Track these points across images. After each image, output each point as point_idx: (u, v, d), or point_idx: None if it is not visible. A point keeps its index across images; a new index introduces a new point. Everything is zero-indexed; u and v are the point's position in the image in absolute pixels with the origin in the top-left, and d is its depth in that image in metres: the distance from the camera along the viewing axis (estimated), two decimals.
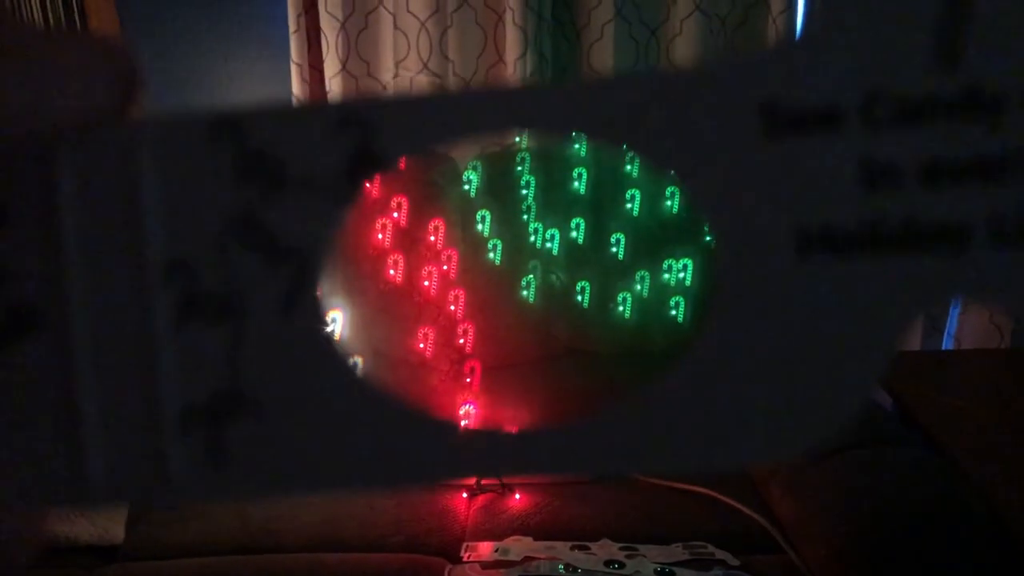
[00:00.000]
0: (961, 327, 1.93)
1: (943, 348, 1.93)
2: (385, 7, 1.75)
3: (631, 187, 1.44)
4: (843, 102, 0.18)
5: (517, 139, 1.68)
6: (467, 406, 1.38)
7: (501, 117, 0.20)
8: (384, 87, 1.78)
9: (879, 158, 0.18)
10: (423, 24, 1.73)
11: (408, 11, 1.73)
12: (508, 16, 1.69)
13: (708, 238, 1.40)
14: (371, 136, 0.19)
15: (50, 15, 1.86)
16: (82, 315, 0.19)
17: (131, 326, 0.19)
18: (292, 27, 1.73)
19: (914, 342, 1.91)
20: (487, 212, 1.45)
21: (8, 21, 0.17)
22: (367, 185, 0.19)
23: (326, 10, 1.72)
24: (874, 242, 0.18)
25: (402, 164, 0.19)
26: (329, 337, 0.19)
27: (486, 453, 0.19)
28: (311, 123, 0.19)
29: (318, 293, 0.19)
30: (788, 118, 0.18)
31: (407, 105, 0.19)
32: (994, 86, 0.17)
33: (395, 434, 0.19)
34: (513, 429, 0.19)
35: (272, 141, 0.19)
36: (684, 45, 1.75)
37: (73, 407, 0.19)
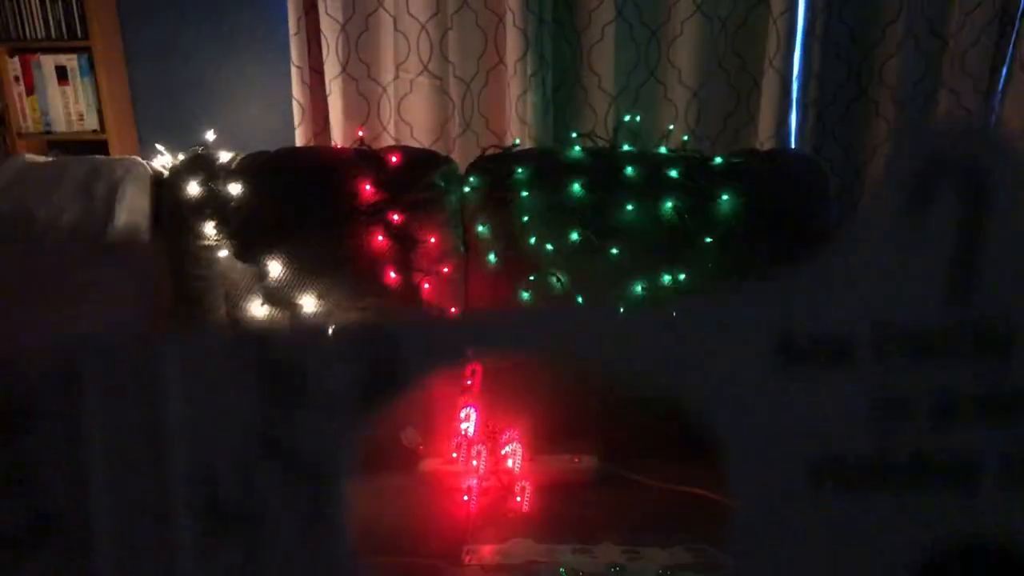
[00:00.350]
0: None
1: None
2: (385, 9, 1.75)
3: (632, 191, 1.43)
4: (855, 336, 0.19)
5: (517, 140, 1.69)
6: (468, 409, 1.37)
7: (517, 338, 0.21)
8: (384, 90, 1.78)
9: (890, 392, 0.19)
10: (423, 26, 1.73)
11: (408, 13, 1.73)
12: (508, 18, 1.69)
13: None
14: (391, 357, 0.20)
15: (50, 16, 1.86)
16: (103, 523, 0.19)
17: (152, 535, 0.19)
18: (292, 29, 1.73)
19: None
20: (488, 214, 1.44)
21: (35, 245, 0.18)
22: (386, 403, 0.20)
23: (326, 12, 1.72)
24: (885, 475, 0.19)
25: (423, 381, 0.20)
26: (350, 552, 0.20)
27: None
28: (333, 342, 0.20)
29: (338, 506, 0.19)
30: (802, 351, 0.19)
31: (425, 327, 0.20)
32: (1004, 326, 0.19)
33: None
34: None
35: (295, 359, 0.20)
36: (685, 46, 1.75)
37: None
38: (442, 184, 1.46)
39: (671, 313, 0.18)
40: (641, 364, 0.18)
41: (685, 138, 1.70)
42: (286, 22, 1.75)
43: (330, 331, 0.18)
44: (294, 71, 1.76)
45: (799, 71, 1.73)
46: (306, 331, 0.18)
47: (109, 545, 0.17)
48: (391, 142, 1.78)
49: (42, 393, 0.17)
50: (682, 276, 1.39)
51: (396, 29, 1.76)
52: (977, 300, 0.17)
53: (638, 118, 1.79)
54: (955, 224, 0.16)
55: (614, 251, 1.39)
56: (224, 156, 1.48)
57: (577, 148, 1.50)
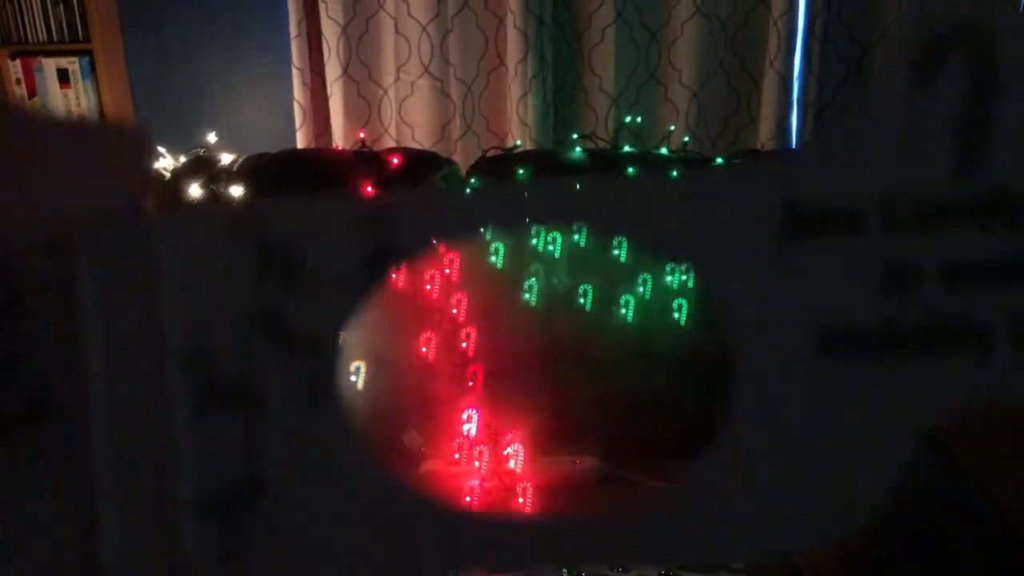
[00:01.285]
0: None
1: None
2: (386, 11, 1.75)
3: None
4: (865, 205, 0.18)
5: (518, 142, 1.69)
6: (470, 411, 1.38)
7: (520, 212, 0.20)
8: (385, 92, 1.78)
9: (900, 260, 0.18)
10: (424, 28, 1.73)
11: (409, 15, 1.74)
12: (509, 19, 1.69)
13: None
14: (390, 231, 0.19)
15: (51, 19, 1.86)
16: (99, 402, 0.19)
17: (149, 414, 0.19)
18: (293, 32, 1.73)
19: None
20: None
21: (26, 119, 0.17)
22: (387, 277, 0.20)
23: (327, 15, 1.73)
24: (896, 344, 0.18)
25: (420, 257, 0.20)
26: (348, 428, 0.19)
27: (506, 544, 0.19)
28: (331, 218, 0.19)
29: (338, 385, 0.19)
30: (811, 220, 0.18)
31: (426, 201, 0.20)
32: (1017, 190, 0.18)
33: (413, 525, 0.19)
34: (531, 511, 0.19)
35: (292, 235, 0.19)
36: (685, 47, 1.75)
37: (89, 493, 0.19)
38: (443, 186, 1.46)
39: (675, 180, 0.18)
40: (643, 231, 0.17)
41: (685, 139, 1.70)
42: (287, 25, 1.75)
43: (330, 206, 0.18)
44: (295, 73, 1.76)
45: (799, 72, 1.73)
46: (304, 208, 0.18)
47: (106, 427, 0.17)
48: (392, 144, 1.78)
49: (35, 271, 0.17)
50: (685, 276, 1.39)
51: (397, 31, 1.76)
52: (988, 167, 0.16)
53: (639, 119, 1.79)
54: (965, 92, 0.16)
55: (615, 252, 1.40)
56: (225, 158, 1.48)
57: (578, 149, 1.50)
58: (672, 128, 1.76)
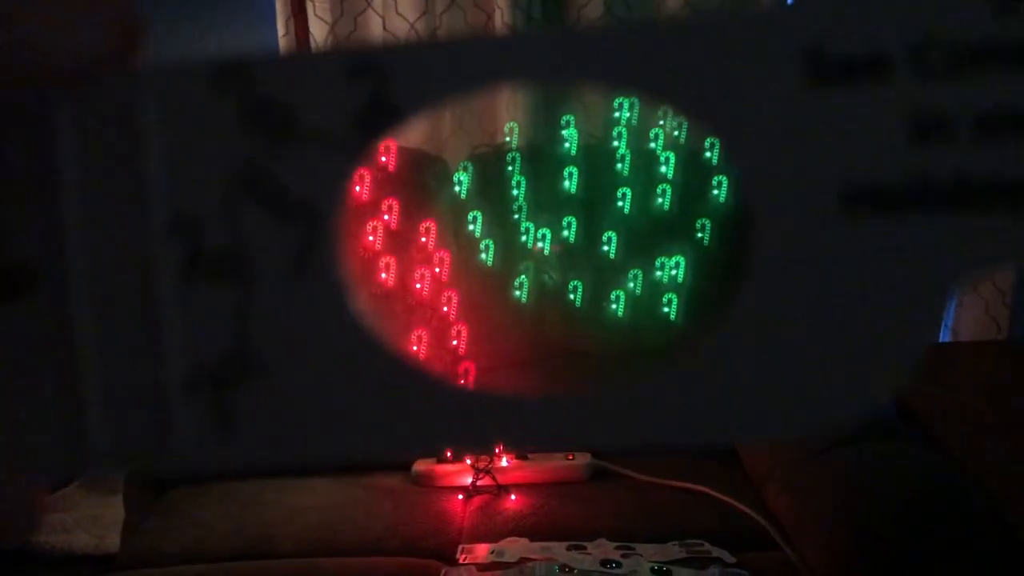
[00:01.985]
0: (958, 320, 1.93)
1: (940, 341, 1.93)
2: (374, 9, 1.74)
3: (622, 185, 1.43)
4: (893, 48, 0.16)
5: (507, 139, 1.68)
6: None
7: (524, 64, 0.18)
8: None
9: (931, 109, 0.17)
10: (412, 25, 1.73)
11: (397, 13, 1.73)
12: (497, 16, 1.69)
13: (702, 236, 1.39)
14: (386, 84, 0.17)
15: None
16: (82, 274, 0.18)
17: (134, 285, 0.18)
18: (281, 31, 1.73)
19: None
20: (478, 213, 1.44)
21: None
22: (381, 137, 0.18)
23: (315, 14, 1.72)
24: (924, 200, 0.17)
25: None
26: (341, 297, 0.18)
27: (503, 422, 0.18)
28: (323, 70, 0.18)
29: (330, 250, 0.18)
30: (833, 66, 0.16)
31: (424, 52, 0.18)
32: None
33: (409, 399, 0.18)
34: (532, 394, 0.18)
35: (282, 89, 0.17)
36: None
37: (74, 371, 0.18)
38: (433, 183, 1.46)
39: (686, 27, 0.16)
40: (659, 87, 0.16)
41: (676, 133, 1.69)
42: (274, 23, 1.74)
43: (321, 58, 0.16)
44: None
45: None
46: (295, 59, 0.17)
47: (88, 299, 0.16)
48: None
49: (8, 127, 0.16)
50: (677, 272, 1.38)
51: (385, 29, 1.75)
52: None
53: (630, 114, 1.78)
54: None
55: (606, 248, 1.39)
56: None
57: (569, 145, 1.49)
58: (663, 121, 1.75)
